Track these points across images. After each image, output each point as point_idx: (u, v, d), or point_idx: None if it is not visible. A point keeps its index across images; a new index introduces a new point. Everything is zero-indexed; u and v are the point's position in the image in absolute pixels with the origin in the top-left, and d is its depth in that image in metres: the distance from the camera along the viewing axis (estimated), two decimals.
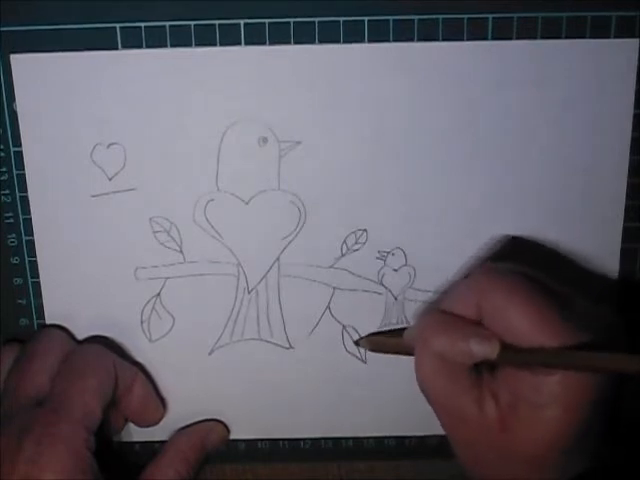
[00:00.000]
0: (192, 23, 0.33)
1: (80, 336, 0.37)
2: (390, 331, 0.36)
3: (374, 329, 0.37)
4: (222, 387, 0.38)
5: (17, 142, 0.35)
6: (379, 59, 0.34)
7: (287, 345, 0.37)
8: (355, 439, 0.39)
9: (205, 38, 0.34)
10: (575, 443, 0.29)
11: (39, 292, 0.37)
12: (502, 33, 0.34)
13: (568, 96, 0.34)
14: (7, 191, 0.35)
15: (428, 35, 0.34)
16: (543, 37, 0.34)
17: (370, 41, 0.34)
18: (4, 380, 0.34)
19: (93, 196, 0.35)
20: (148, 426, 0.37)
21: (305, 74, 0.34)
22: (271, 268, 0.36)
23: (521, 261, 0.32)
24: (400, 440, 0.39)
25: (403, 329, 0.34)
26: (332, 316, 0.37)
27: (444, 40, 0.34)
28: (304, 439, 0.39)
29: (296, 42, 0.34)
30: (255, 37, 0.34)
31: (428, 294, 0.36)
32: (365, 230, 0.36)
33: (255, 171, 0.35)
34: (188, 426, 0.38)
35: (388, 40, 0.34)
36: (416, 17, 0.33)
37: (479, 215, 0.36)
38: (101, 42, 0.34)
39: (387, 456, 0.39)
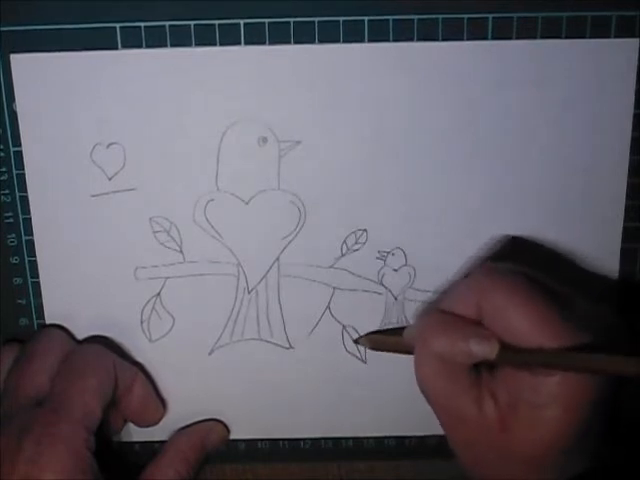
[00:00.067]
0: (192, 23, 0.33)
1: (80, 336, 0.37)
2: (390, 330, 0.36)
3: (374, 329, 0.37)
4: (222, 387, 0.38)
5: (17, 142, 0.35)
6: (379, 59, 0.34)
7: (287, 345, 0.37)
8: (355, 439, 0.39)
9: (205, 38, 0.34)
10: (574, 443, 0.29)
11: (39, 292, 0.37)
12: (502, 33, 0.34)
13: (568, 96, 0.34)
14: (7, 191, 0.35)
15: (428, 35, 0.34)
16: (543, 37, 0.34)
17: (370, 41, 0.34)
18: (4, 380, 0.34)
19: (93, 196, 0.35)
20: (148, 426, 0.37)
21: (305, 74, 0.34)
22: (271, 268, 0.36)
23: (521, 261, 0.32)
24: (400, 440, 0.39)
25: (403, 328, 0.34)
26: (332, 316, 0.37)
27: (444, 40, 0.34)
28: (304, 439, 0.39)
29: (296, 42, 0.34)
30: (255, 37, 0.34)
31: (428, 294, 0.36)
32: (365, 230, 0.36)
33: (255, 171, 0.35)
34: (188, 426, 0.38)
35: (388, 40, 0.34)
36: (416, 17, 0.33)
37: (479, 215, 0.36)
38: (101, 42, 0.34)
39: (387, 456, 0.39)
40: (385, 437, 0.39)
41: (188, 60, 0.34)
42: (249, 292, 0.37)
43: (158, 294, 0.37)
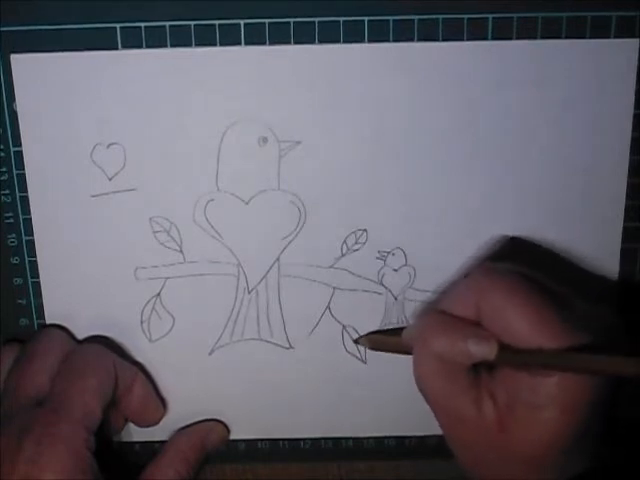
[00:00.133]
0: (192, 23, 0.33)
1: (80, 336, 0.37)
2: (390, 330, 0.36)
3: (374, 329, 0.37)
4: (222, 387, 0.38)
5: (17, 142, 0.35)
6: (379, 59, 0.34)
7: (287, 345, 0.37)
8: (355, 439, 0.39)
9: (205, 38, 0.34)
10: (573, 443, 0.29)
11: (39, 292, 0.37)
12: (502, 33, 0.34)
13: (568, 96, 0.34)
14: (7, 191, 0.35)
15: (428, 35, 0.34)
16: (543, 37, 0.33)
17: (370, 41, 0.34)
18: (4, 380, 0.34)
19: (93, 196, 0.35)
20: (148, 426, 0.37)
21: (305, 74, 0.34)
22: (271, 268, 0.36)
23: (520, 261, 0.32)
24: (400, 440, 0.39)
25: (403, 328, 0.34)
26: (332, 316, 0.37)
27: (444, 40, 0.34)
28: (304, 439, 0.39)
29: (296, 42, 0.34)
30: (255, 37, 0.34)
31: (428, 294, 0.36)
32: (365, 230, 0.36)
33: (255, 171, 0.35)
34: (188, 426, 0.38)
35: (388, 40, 0.34)
36: (416, 17, 0.33)
37: (479, 215, 0.36)
38: (101, 42, 0.34)
39: (387, 456, 0.39)
40: (385, 437, 0.39)
41: (188, 60, 0.34)
42: (249, 292, 0.37)
43: (158, 294, 0.37)
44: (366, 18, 0.33)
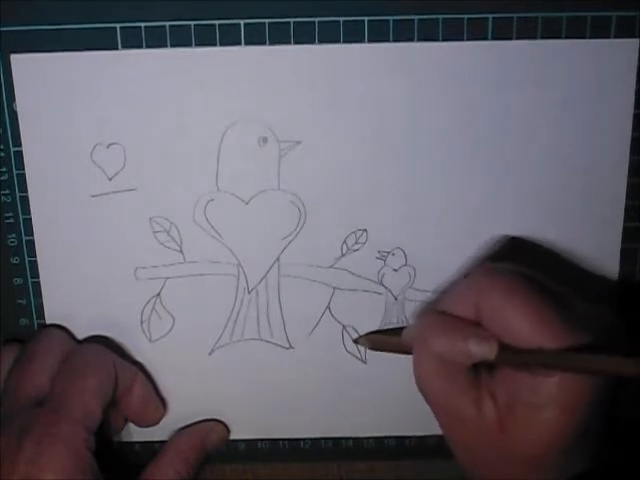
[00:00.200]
0: (192, 23, 0.33)
1: (80, 336, 0.37)
2: (390, 330, 0.36)
3: (374, 329, 0.37)
4: (222, 387, 0.38)
5: (17, 142, 0.35)
6: (379, 59, 0.34)
7: (287, 345, 0.37)
8: (355, 439, 0.39)
9: (205, 38, 0.34)
10: (574, 443, 0.29)
11: (39, 292, 0.37)
12: (502, 33, 0.34)
13: (568, 96, 0.34)
14: (7, 191, 0.35)
15: (428, 35, 0.34)
16: (543, 37, 0.34)
17: (370, 41, 0.34)
18: (4, 380, 0.34)
19: (93, 196, 0.35)
20: (148, 426, 0.37)
21: (305, 74, 0.34)
22: (271, 268, 0.36)
23: (520, 261, 0.32)
24: (400, 440, 0.39)
25: (403, 328, 0.34)
26: (332, 316, 0.37)
27: (444, 40, 0.34)
28: (304, 439, 0.39)
29: (296, 42, 0.34)
30: (255, 37, 0.34)
31: (428, 294, 0.37)
32: (365, 230, 0.36)
33: (255, 171, 0.35)
34: (188, 426, 0.38)
35: (388, 40, 0.34)
36: (416, 17, 0.33)
37: (479, 215, 0.36)
38: (101, 42, 0.34)
39: (387, 456, 0.39)
40: (385, 437, 0.39)
41: (188, 60, 0.34)
42: (249, 292, 0.37)
43: (158, 294, 0.37)
44: (366, 18, 0.33)
